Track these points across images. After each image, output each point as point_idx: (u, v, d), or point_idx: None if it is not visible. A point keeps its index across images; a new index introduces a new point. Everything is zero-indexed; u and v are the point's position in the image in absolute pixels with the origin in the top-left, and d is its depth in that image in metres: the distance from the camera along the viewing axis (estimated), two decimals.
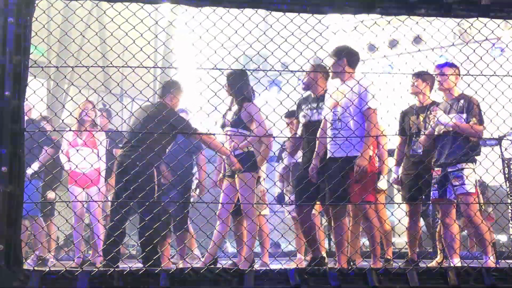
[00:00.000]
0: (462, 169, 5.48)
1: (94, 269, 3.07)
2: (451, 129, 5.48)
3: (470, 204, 5.36)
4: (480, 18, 3.89)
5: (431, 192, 5.70)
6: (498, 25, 4.23)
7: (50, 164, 7.43)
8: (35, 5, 3.20)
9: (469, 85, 4.48)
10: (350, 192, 4.88)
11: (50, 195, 7.71)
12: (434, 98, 6.22)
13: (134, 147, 5.34)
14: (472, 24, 4.21)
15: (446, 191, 5.59)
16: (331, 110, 5.29)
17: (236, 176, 5.74)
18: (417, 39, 11.94)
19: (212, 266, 3.96)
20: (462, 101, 5.57)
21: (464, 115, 5.51)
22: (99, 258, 6.55)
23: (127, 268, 3.09)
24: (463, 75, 4.64)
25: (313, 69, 5.90)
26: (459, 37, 12.24)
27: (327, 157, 5.29)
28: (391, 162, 6.65)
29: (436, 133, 5.63)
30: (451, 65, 5.73)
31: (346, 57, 5.37)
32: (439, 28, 4.55)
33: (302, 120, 6.01)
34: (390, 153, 6.64)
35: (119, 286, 3.01)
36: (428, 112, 5.80)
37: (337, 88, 5.09)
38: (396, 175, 6.37)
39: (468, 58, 4.23)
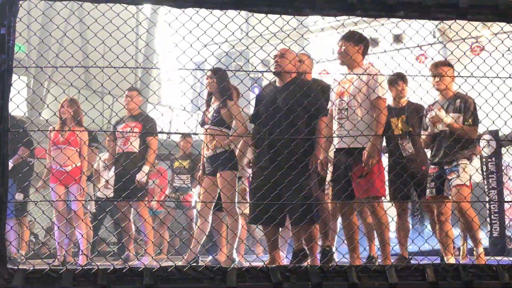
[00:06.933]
0: (458, 164, 5.44)
1: (78, 268, 3.09)
2: (446, 128, 5.41)
3: (464, 196, 5.31)
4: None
5: (427, 190, 5.64)
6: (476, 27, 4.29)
7: (21, 164, 7.38)
8: (19, 5, 3.21)
9: (460, 86, 4.43)
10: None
11: (18, 197, 7.65)
12: (410, 98, 6.21)
13: None
14: (463, 27, 4.19)
15: (441, 188, 5.55)
16: (340, 98, 4.97)
17: (218, 174, 5.77)
18: (397, 39, 12.02)
19: (194, 264, 4.00)
20: (458, 100, 5.51)
21: (461, 115, 5.46)
22: (82, 257, 6.54)
23: (110, 266, 3.12)
24: (456, 76, 4.54)
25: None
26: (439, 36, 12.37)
27: (335, 148, 5.04)
28: None
29: (435, 131, 5.54)
30: (448, 64, 5.61)
31: (364, 44, 5.06)
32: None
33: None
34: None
35: (103, 284, 3.03)
36: (429, 110, 5.62)
37: (345, 76, 4.84)
38: None
39: (459, 59, 4.26)
